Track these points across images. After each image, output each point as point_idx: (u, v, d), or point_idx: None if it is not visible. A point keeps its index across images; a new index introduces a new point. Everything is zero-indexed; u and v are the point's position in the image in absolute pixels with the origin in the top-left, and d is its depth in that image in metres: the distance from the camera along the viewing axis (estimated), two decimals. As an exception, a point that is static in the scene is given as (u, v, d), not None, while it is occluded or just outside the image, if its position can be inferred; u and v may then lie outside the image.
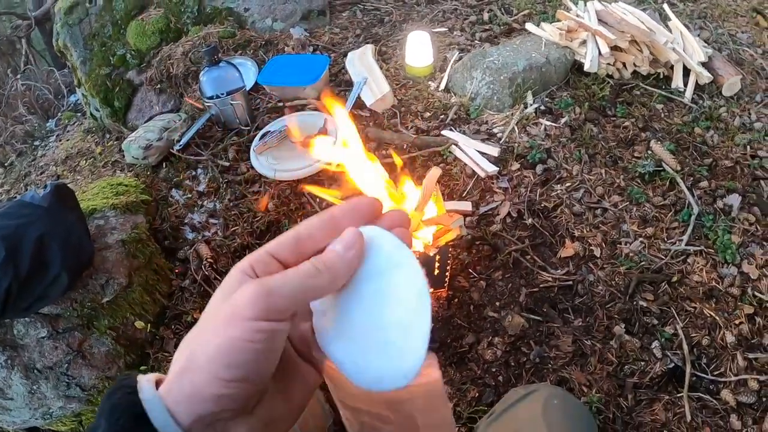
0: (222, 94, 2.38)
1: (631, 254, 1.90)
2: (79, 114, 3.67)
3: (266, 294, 0.45)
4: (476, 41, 2.87)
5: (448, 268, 1.73)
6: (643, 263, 1.87)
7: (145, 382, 0.48)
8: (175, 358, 0.49)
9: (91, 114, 3.09)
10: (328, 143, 1.84)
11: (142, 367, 1.82)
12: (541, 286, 1.84)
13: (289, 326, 0.48)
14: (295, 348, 0.57)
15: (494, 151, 2.18)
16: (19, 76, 4.83)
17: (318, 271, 0.49)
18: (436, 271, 1.70)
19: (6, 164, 3.38)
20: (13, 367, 1.68)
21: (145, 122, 2.69)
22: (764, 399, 1.58)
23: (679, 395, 1.60)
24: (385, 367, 0.49)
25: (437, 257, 1.62)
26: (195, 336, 0.48)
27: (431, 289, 1.81)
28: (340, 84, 2.67)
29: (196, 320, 1.82)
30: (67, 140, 3.25)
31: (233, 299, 0.46)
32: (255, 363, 0.46)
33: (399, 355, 0.49)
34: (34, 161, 3.22)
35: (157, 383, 0.48)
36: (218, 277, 1.96)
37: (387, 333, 0.50)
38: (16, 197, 2.80)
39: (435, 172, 1.61)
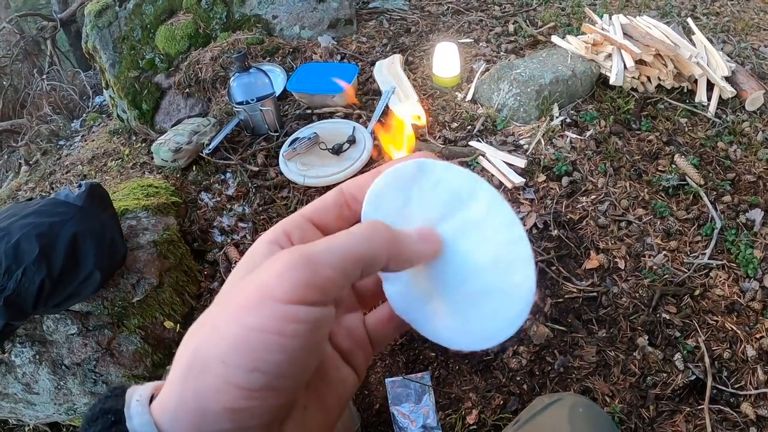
0: (252, 100, 2.42)
1: (654, 267, 1.92)
2: (104, 115, 3.71)
3: (306, 264, 0.33)
4: (502, 53, 2.90)
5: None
6: (666, 276, 1.89)
7: (134, 402, 0.34)
8: (176, 357, 0.35)
9: (118, 116, 3.13)
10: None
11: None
12: (566, 296, 1.86)
13: (334, 312, 0.36)
14: (336, 345, 0.44)
15: (521, 162, 2.21)
16: (44, 77, 4.89)
17: (379, 232, 0.37)
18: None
19: (31, 162, 3.42)
20: (41, 362, 1.71)
21: (173, 126, 2.73)
22: (785, 413, 1.59)
23: (700, 407, 1.61)
24: (490, 319, 0.40)
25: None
26: (203, 325, 0.35)
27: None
28: (368, 93, 2.70)
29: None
30: (93, 141, 3.29)
31: (258, 273, 0.34)
32: (288, 365, 0.33)
33: (504, 300, 0.40)
34: (59, 160, 3.26)
35: (155, 395, 0.35)
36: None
37: (484, 279, 0.41)
38: (41, 195, 2.84)
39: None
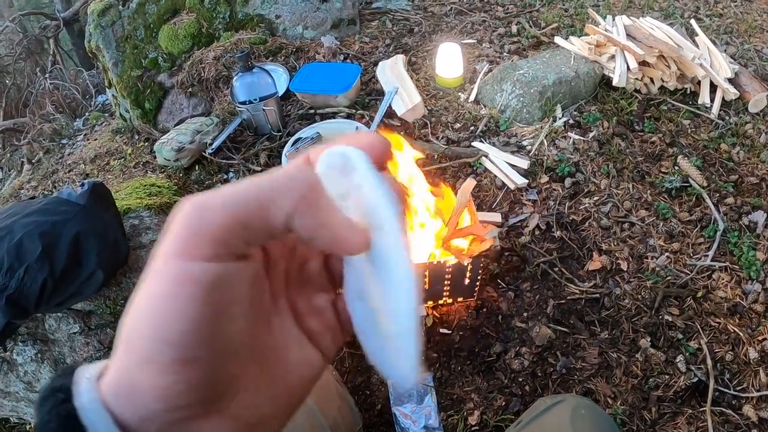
0: (255, 99, 2.42)
1: (657, 269, 1.92)
2: (106, 114, 3.71)
3: (196, 209, 0.30)
4: (505, 53, 2.90)
5: (479, 278, 1.75)
6: (668, 278, 1.89)
7: (84, 380, 0.32)
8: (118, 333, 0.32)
9: (121, 115, 3.13)
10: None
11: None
12: (568, 298, 1.86)
13: (250, 267, 0.33)
14: (303, 324, 0.41)
15: (524, 163, 2.21)
16: (47, 76, 4.89)
17: (295, 177, 0.33)
18: (467, 281, 1.73)
19: (34, 161, 3.42)
20: (43, 360, 1.71)
21: (176, 125, 2.73)
22: (787, 415, 1.59)
23: (702, 409, 1.61)
24: (387, 368, 0.38)
25: (469, 267, 1.65)
26: (131, 301, 0.32)
27: (460, 299, 1.84)
28: (371, 93, 2.70)
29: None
30: (95, 140, 3.28)
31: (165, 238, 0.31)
32: (193, 334, 0.30)
33: (396, 364, 0.37)
34: (62, 159, 3.25)
35: (104, 374, 0.33)
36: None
37: (383, 339, 0.37)
38: (43, 193, 2.84)
39: (470, 183, 1.64)
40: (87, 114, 3.95)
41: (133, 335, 0.31)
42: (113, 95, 3.13)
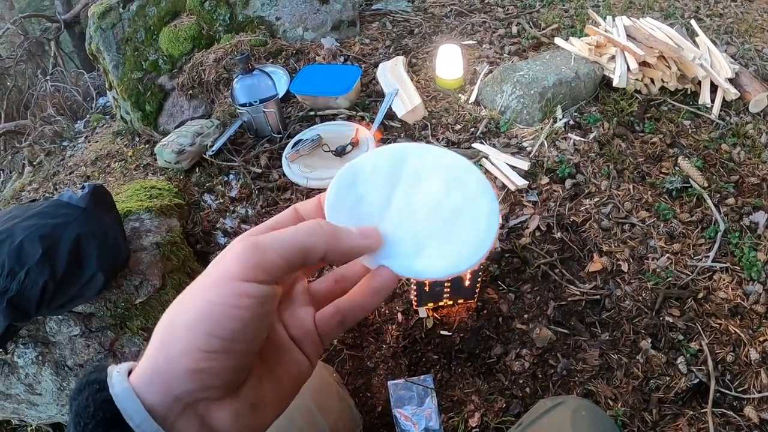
0: (255, 101, 2.42)
1: (658, 270, 1.92)
2: (107, 116, 3.71)
3: (254, 248, 0.41)
4: (505, 54, 2.90)
5: (479, 280, 1.75)
6: (669, 279, 1.89)
7: (115, 374, 0.41)
8: (154, 333, 0.42)
9: (122, 117, 3.14)
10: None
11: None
12: (569, 299, 1.86)
13: (280, 291, 0.45)
14: (289, 332, 0.51)
15: (524, 164, 2.21)
16: (48, 78, 4.90)
17: (320, 228, 0.45)
18: (467, 283, 1.73)
19: (35, 163, 3.42)
20: (44, 363, 1.71)
21: (176, 127, 2.73)
22: (789, 417, 1.59)
23: (703, 411, 1.61)
24: (464, 242, 0.50)
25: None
26: (176, 303, 0.43)
27: (461, 301, 1.84)
28: (371, 95, 2.71)
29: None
30: (96, 142, 3.28)
31: (219, 258, 0.43)
32: (240, 332, 0.40)
33: (473, 221, 0.50)
34: (63, 161, 3.25)
35: (132, 371, 0.42)
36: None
37: (449, 208, 0.51)
38: (44, 195, 2.84)
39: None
40: (88, 116, 3.95)
41: (181, 329, 0.40)
42: (114, 97, 3.13)
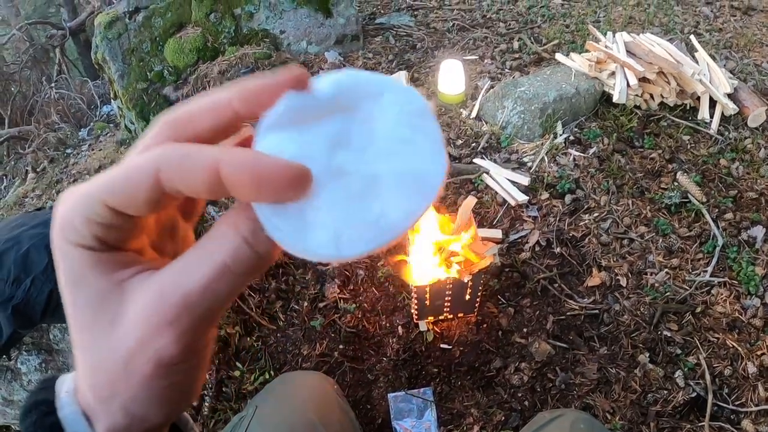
0: (259, 114, 2.44)
1: (656, 284, 1.94)
2: (111, 125, 3.73)
3: (194, 329, 0.32)
4: (506, 70, 2.93)
5: (479, 294, 1.77)
6: (668, 293, 1.90)
7: (64, 395, 0.36)
8: (95, 394, 0.35)
9: (126, 126, 3.16)
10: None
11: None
12: (567, 314, 1.88)
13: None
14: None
15: (524, 180, 2.23)
16: (52, 85, 4.91)
17: (246, 247, 0.32)
18: (467, 297, 1.74)
19: (38, 169, 3.44)
20: (47, 370, 1.73)
21: (181, 138, 2.75)
22: (785, 430, 1.61)
23: (700, 424, 1.62)
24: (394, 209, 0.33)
25: (469, 283, 1.67)
26: (114, 386, 0.34)
27: (460, 315, 1.86)
28: (374, 108, 2.72)
29: (229, 334, 1.88)
30: (100, 150, 3.30)
31: (149, 342, 0.32)
32: (197, 380, 0.36)
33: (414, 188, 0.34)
34: (66, 168, 3.27)
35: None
36: (251, 293, 2.00)
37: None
38: (49, 202, 2.86)
39: (470, 201, 1.66)
40: (92, 124, 3.97)
41: (148, 412, 0.34)
42: (118, 107, 3.15)
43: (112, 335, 0.33)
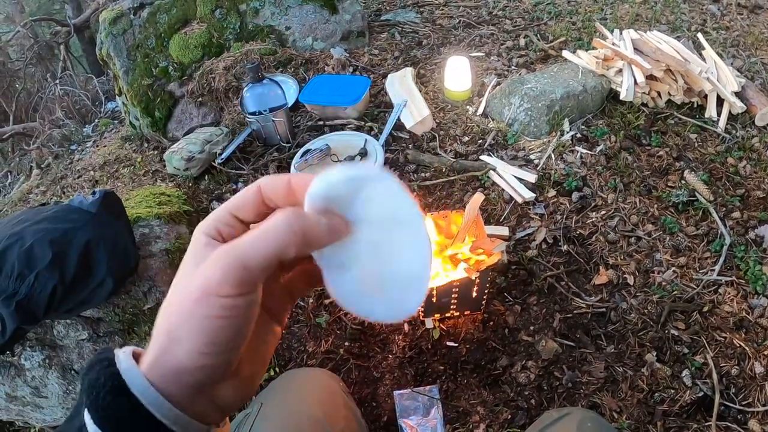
0: (264, 110, 2.44)
1: (663, 283, 1.92)
2: (116, 121, 3.73)
3: (239, 267, 0.43)
4: (513, 67, 2.92)
5: (486, 291, 1.76)
6: (675, 292, 1.90)
7: (121, 354, 0.46)
8: (155, 331, 0.47)
9: (131, 122, 3.15)
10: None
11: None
12: (574, 312, 1.87)
13: (261, 292, 0.47)
14: (263, 306, 0.52)
15: (531, 177, 2.22)
16: (57, 81, 4.91)
17: (293, 233, 0.45)
18: (474, 294, 1.74)
19: (43, 166, 3.43)
20: (51, 366, 1.72)
21: (185, 134, 2.75)
22: (793, 431, 1.59)
23: (707, 424, 1.61)
24: (381, 311, 0.51)
25: (477, 281, 1.66)
26: (171, 309, 0.46)
27: (467, 312, 1.85)
28: (380, 105, 2.72)
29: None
30: (105, 146, 3.29)
31: (204, 272, 0.44)
32: (235, 334, 0.45)
33: (398, 303, 0.51)
34: (71, 165, 3.26)
35: (135, 355, 0.47)
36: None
37: (390, 285, 0.50)
38: (53, 198, 2.86)
39: (478, 197, 1.65)
40: (96, 120, 3.97)
41: (183, 336, 0.44)
42: (123, 103, 3.14)
43: (193, 273, 0.46)
